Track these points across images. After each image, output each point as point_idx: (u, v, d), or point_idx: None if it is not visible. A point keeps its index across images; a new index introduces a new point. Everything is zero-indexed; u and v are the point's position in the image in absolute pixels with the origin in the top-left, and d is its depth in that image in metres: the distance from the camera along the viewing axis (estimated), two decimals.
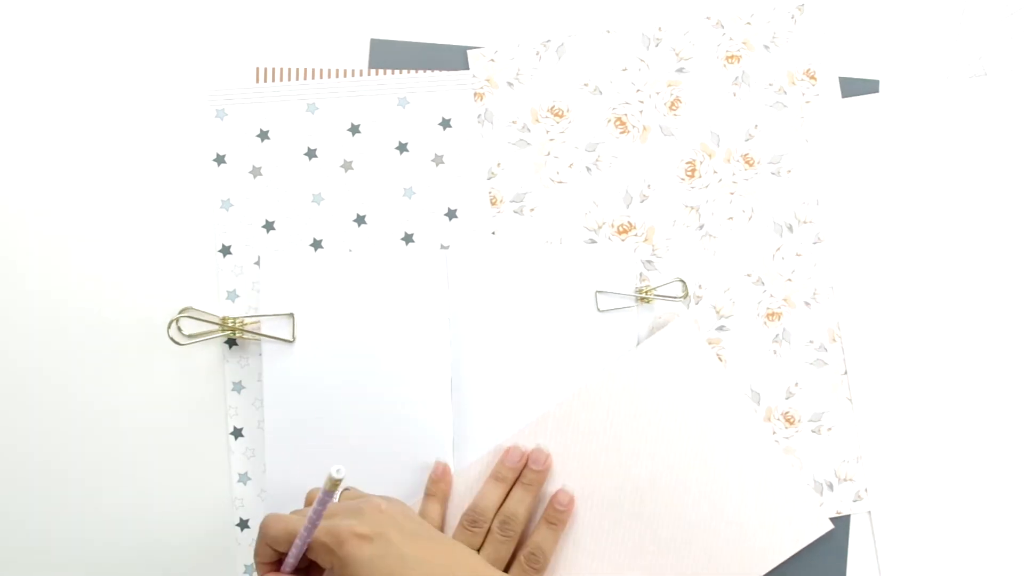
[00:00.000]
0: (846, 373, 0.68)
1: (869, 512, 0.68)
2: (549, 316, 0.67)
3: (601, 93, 0.70)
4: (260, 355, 0.66)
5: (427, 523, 0.58)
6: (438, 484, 0.64)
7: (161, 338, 0.67)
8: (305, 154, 0.69)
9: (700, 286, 0.69)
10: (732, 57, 0.70)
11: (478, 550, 0.61)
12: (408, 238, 0.68)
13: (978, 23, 0.71)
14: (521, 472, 0.64)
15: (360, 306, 0.66)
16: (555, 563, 0.64)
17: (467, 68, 0.70)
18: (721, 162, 0.69)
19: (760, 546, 0.65)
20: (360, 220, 0.68)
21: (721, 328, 0.68)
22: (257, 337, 0.66)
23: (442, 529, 0.63)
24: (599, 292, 0.67)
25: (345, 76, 0.69)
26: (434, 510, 0.63)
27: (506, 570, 0.62)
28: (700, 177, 0.69)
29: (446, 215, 0.68)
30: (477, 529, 0.61)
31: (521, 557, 0.62)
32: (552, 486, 0.65)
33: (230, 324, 0.66)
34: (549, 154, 0.69)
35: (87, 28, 0.69)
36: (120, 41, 0.69)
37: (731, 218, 0.69)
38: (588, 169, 0.69)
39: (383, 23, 0.70)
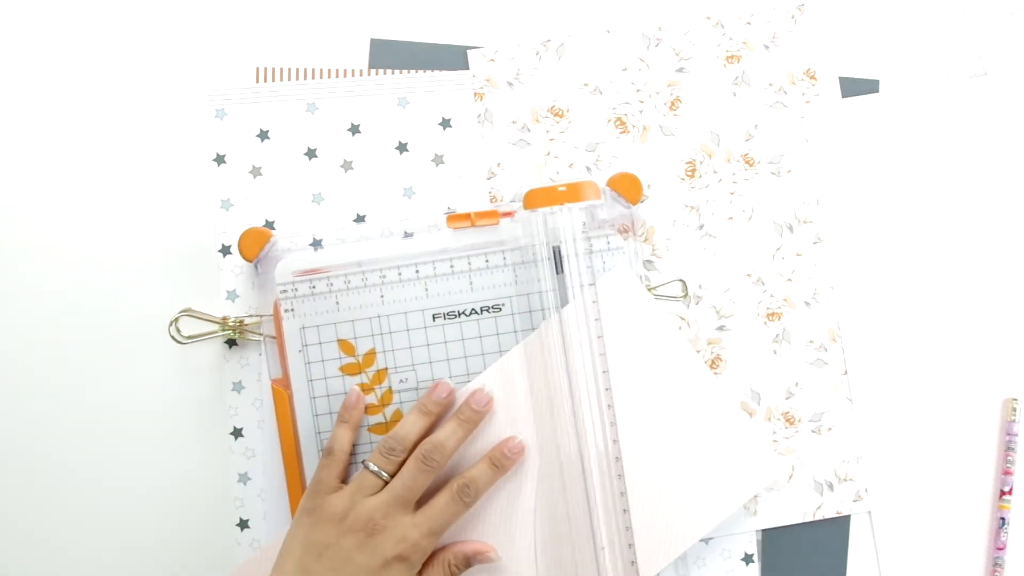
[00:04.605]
0: (846, 373, 0.68)
1: (869, 512, 0.68)
2: None
3: (601, 93, 0.70)
4: (260, 355, 0.66)
5: None
6: (351, 411, 0.63)
7: (161, 338, 0.67)
8: (305, 154, 0.69)
9: (700, 286, 0.69)
10: (732, 57, 0.70)
11: (391, 477, 0.60)
12: (408, 238, 0.68)
13: (978, 23, 0.71)
14: (456, 409, 0.63)
15: None
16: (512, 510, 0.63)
17: (467, 68, 0.70)
18: (721, 162, 0.69)
19: (717, 494, 0.63)
20: (360, 220, 0.68)
21: (721, 328, 0.68)
22: (257, 337, 0.66)
23: (352, 454, 0.63)
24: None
25: (345, 76, 0.69)
26: (344, 436, 0.62)
27: (421, 502, 0.61)
28: (700, 177, 0.69)
29: (446, 215, 0.68)
30: (393, 456, 0.61)
31: (454, 484, 0.61)
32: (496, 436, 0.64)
33: (230, 324, 0.66)
34: (549, 154, 0.69)
35: (87, 28, 0.69)
36: (120, 41, 0.69)
37: (731, 218, 0.69)
38: (588, 169, 0.69)
39: (383, 23, 0.70)
